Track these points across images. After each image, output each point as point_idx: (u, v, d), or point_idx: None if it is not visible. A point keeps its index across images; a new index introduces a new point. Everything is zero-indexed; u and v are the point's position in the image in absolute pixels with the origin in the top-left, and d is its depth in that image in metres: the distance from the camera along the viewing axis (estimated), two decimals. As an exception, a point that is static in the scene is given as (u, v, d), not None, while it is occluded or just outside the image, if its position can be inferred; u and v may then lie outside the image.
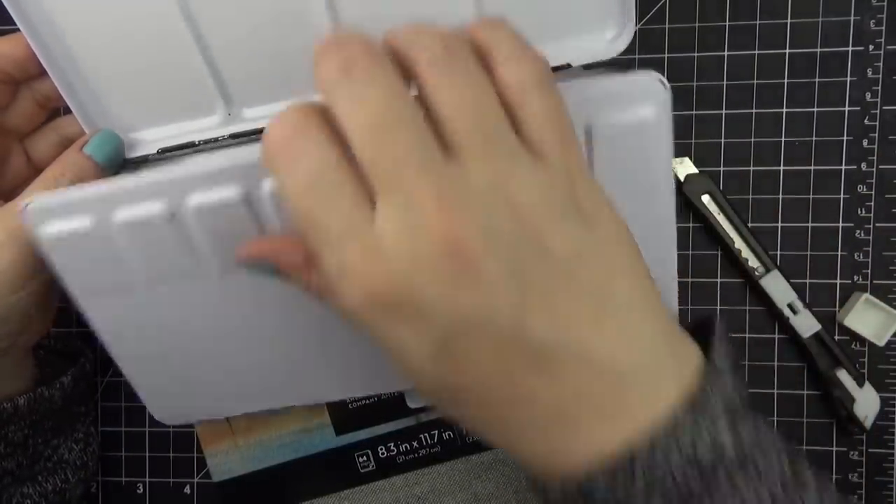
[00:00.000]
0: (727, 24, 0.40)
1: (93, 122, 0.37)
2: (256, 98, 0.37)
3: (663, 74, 0.40)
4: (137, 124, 0.38)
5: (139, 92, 0.37)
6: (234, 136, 0.37)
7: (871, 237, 0.40)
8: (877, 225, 0.40)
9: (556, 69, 0.35)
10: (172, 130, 0.38)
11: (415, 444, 0.43)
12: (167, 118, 0.37)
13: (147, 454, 0.44)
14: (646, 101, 0.31)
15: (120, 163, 0.37)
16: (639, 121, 0.31)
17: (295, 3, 0.34)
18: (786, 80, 0.40)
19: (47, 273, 0.35)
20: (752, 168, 0.40)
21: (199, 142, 0.37)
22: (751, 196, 0.40)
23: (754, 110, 0.40)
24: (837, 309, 0.40)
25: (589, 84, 0.31)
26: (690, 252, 0.41)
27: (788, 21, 0.39)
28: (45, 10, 0.34)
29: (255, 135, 0.37)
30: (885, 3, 0.39)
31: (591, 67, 0.35)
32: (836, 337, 0.40)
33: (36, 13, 0.34)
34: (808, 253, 0.40)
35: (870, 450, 0.40)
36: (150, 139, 0.38)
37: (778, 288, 0.39)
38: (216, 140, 0.37)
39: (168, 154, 0.38)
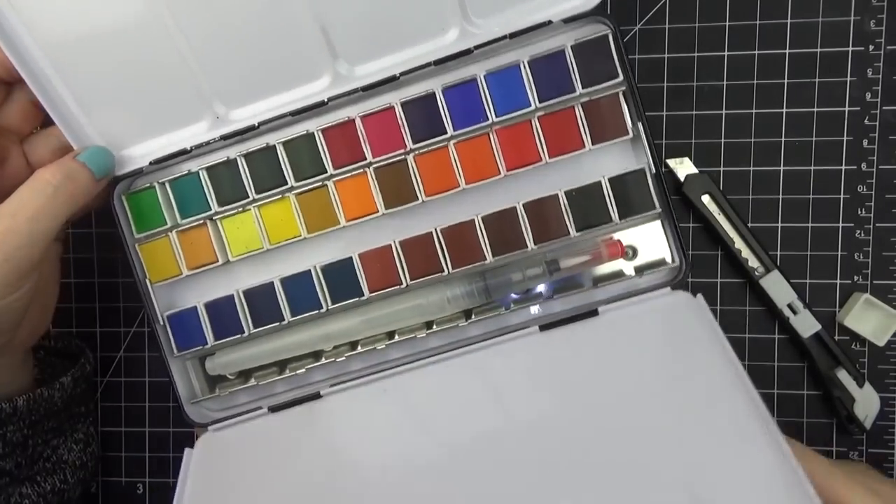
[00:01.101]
0: (727, 24, 0.40)
1: (83, 143, 0.37)
2: (242, 98, 0.37)
3: (663, 74, 0.40)
4: (128, 140, 0.37)
5: (127, 109, 0.37)
6: (224, 137, 0.37)
7: (871, 237, 0.39)
8: (877, 225, 0.40)
9: (537, 27, 0.35)
10: (163, 141, 0.38)
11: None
12: (157, 131, 0.37)
13: (147, 454, 0.44)
14: (680, 313, 0.34)
15: (112, 174, 0.37)
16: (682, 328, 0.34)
17: (273, 2, 0.34)
18: (786, 80, 0.40)
19: (39, 275, 0.35)
20: (752, 168, 0.40)
21: (191, 148, 0.37)
22: (751, 196, 0.40)
23: (754, 110, 0.40)
24: (837, 309, 0.40)
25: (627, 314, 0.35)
26: (691, 252, 0.41)
27: (788, 21, 0.39)
28: (30, 36, 0.34)
29: (244, 133, 0.37)
30: (885, 3, 0.39)
31: (572, 21, 0.35)
32: (836, 337, 0.40)
33: (22, 45, 0.34)
34: (808, 253, 0.40)
35: (870, 450, 0.40)
36: (141, 153, 0.38)
37: (778, 288, 0.39)
38: (207, 143, 0.37)
39: (161, 164, 0.38)
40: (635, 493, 0.30)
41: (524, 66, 0.36)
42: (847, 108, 0.39)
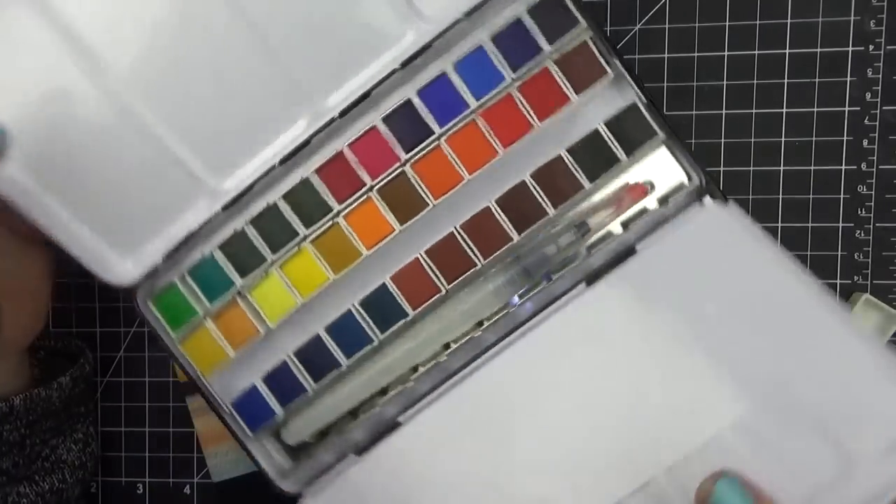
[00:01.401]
0: (727, 24, 0.40)
1: (87, 251, 0.36)
2: (231, 166, 0.36)
3: (663, 74, 0.40)
4: (135, 244, 0.37)
5: (126, 215, 0.36)
6: (224, 208, 0.36)
7: (871, 237, 0.39)
8: (877, 225, 0.39)
9: (487, 1, 0.35)
10: (169, 233, 0.37)
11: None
12: (160, 226, 0.36)
13: (147, 454, 0.44)
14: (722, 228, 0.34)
15: (4, 150, 0.33)
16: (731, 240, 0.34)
17: (230, 55, 0.34)
18: (786, 80, 0.40)
19: (27, 276, 0.34)
20: (752, 168, 0.40)
21: (197, 229, 0.36)
22: (751, 196, 0.40)
23: (754, 110, 0.40)
24: (838, 309, 0.40)
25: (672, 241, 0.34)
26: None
27: (788, 21, 0.39)
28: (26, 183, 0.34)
29: (241, 198, 0.36)
30: (885, 3, 0.39)
31: None
32: (837, 337, 0.40)
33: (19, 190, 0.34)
34: (808, 253, 0.40)
35: (870, 450, 0.40)
36: (151, 252, 0.37)
37: (778, 288, 0.39)
38: (210, 221, 0.36)
39: (173, 256, 0.37)
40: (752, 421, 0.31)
41: (487, 45, 0.36)
42: (847, 108, 0.39)
